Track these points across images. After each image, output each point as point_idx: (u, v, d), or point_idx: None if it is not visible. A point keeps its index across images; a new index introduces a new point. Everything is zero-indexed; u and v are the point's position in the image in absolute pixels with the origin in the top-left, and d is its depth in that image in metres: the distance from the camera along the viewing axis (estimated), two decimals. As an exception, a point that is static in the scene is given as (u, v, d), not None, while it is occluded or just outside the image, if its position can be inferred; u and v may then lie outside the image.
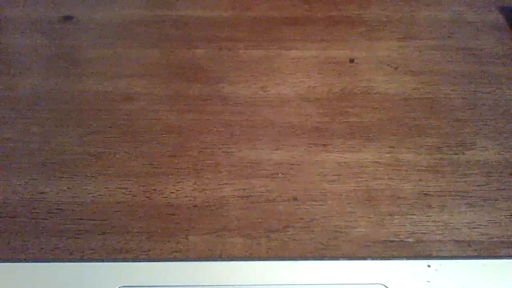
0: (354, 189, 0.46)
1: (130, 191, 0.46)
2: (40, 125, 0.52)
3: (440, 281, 0.40)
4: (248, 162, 0.48)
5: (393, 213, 0.45)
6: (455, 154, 0.49)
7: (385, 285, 0.39)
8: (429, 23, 0.64)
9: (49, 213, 0.44)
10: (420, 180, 0.47)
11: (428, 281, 0.40)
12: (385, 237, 0.43)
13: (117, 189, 0.46)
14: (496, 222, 0.44)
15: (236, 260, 0.41)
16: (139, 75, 0.57)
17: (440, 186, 0.47)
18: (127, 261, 0.41)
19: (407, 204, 0.45)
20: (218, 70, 0.58)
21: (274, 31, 0.63)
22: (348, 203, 0.45)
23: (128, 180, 0.47)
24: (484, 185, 0.47)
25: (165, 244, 0.43)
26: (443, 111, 0.53)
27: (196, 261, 0.41)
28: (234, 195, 0.46)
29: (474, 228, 0.44)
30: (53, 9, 0.65)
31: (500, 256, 0.42)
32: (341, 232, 0.43)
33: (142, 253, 0.42)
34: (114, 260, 0.41)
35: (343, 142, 0.50)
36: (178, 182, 0.47)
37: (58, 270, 0.40)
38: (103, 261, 0.41)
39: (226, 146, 0.50)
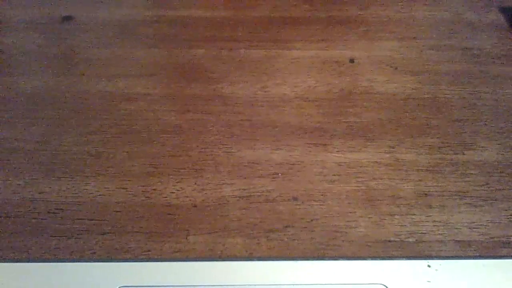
0: (354, 189, 0.46)
1: (130, 191, 0.46)
2: (40, 125, 0.52)
3: (440, 281, 0.40)
4: (248, 162, 0.48)
5: (393, 213, 0.45)
6: (455, 154, 0.49)
7: (385, 285, 0.39)
8: (429, 23, 0.64)
9: (49, 213, 0.44)
10: (420, 180, 0.47)
11: (428, 281, 0.40)
12: (385, 237, 0.43)
13: (117, 189, 0.46)
14: (496, 222, 0.44)
15: (236, 260, 0.41)
16: (139, 75, 0.57)
17: (440, 186, 0.47)
18: (127, 261, 0.41)
19: (407, 204, 0.45)
20: (218, 70, 0.58)
21: (274, 31, 0.63)
22: (348, 203, 0.45)
23: (128, 180, 0.47)
24: (484, 185, 0.47)
25: (165, 244, 0.43)
26: (443, 111, 0.53)
27: (196, 261, 0.41)
28: (234, 195, 0.46)
29: (474, 228, 0.44)
30: (53, 9, 0.65)
31: (500, 256, 0.42)
32: (341, 232, 0.43)
33: (142, 253, 0.42)
34: (114, 260, 0.41)
35: (343, 142, 0.50)
36: (178, 182, 0.47)
37: (58, 270, 0.40)
38: (103, 261, 0.41)
39: (226, 146, 0.50)
